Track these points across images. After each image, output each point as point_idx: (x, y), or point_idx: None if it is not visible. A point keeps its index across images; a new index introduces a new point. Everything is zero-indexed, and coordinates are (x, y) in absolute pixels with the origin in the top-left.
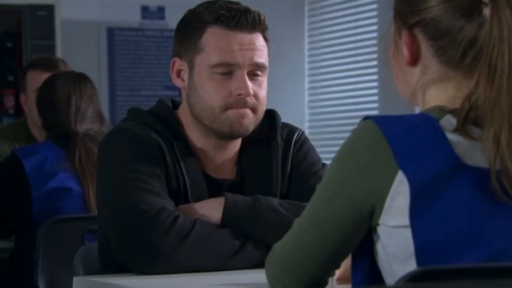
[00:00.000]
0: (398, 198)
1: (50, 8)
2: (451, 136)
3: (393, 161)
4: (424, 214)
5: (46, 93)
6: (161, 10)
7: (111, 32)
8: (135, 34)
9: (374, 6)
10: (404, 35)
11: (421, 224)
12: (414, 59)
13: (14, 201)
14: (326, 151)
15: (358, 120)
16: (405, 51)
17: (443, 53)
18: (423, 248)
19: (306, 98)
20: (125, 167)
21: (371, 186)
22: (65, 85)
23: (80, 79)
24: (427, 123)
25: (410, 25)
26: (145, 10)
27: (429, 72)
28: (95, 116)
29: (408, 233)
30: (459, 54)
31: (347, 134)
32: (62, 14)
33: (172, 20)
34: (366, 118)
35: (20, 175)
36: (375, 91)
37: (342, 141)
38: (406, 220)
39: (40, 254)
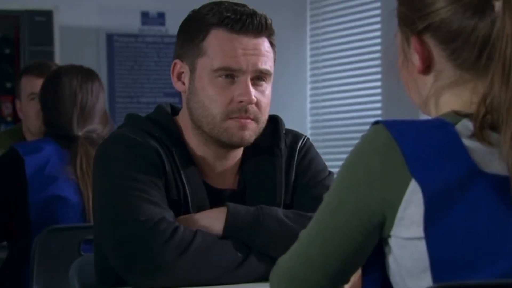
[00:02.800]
0: (411, 208)
1: (48, 14)
2: (467, 142)
3: (405, 169)
4: (439, 225)
5: (52, 89)
6: (161, 16)
7: (111, 38)
8: (135, 40)
9: (377, 11)
10: (413, 42)
11: (436, 235)
12: (426, 66)
13: (11, 205)
14: (329, 159)
15: (361, 127)
16: (416, 59)
17: (457, 56)
18: (438, 261)
19: (308, 105)
20: (123, 176)
21: (382, 195)
22: (72, 82)
23: (88, 76)
24: (441, 128)
25: (419, 31)
26: (145, 16)
27: (443, 77)
28: (100, 116)
29: (422, 245)
30: (475, 55)
31: (350, 142)
32: (60, 19)
33: (172, 26)
34: (377, 122)
35: (19, 178)
36: (378, 98)
37: (345, 149)
38: (420, 232)
39: (36, 264)
